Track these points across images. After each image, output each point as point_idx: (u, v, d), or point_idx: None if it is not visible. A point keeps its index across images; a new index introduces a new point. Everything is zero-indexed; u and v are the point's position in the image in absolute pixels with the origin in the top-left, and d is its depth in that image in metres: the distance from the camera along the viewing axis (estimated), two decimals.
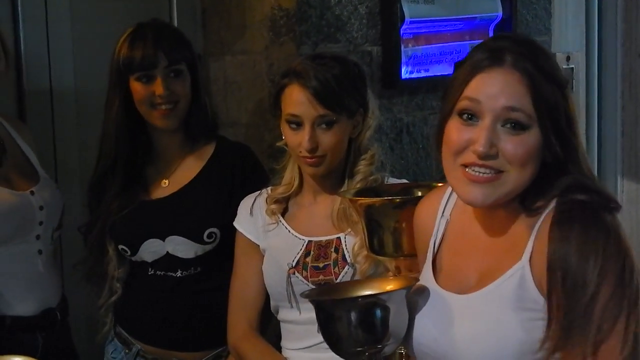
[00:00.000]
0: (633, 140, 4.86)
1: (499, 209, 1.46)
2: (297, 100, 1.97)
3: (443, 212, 1.58)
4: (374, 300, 1.46)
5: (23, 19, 2.76)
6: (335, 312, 1.47)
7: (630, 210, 4.98)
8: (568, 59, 4.24)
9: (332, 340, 1.50)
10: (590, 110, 4.71)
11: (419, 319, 1.50)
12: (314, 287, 1.97)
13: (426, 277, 1.54)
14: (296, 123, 1.97)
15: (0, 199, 2.18)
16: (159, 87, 2.22)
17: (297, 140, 1.97)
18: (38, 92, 2.80)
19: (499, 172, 1.39)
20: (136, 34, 2.27)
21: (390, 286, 1.54)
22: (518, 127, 1.39)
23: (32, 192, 2.25)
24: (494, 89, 1.39)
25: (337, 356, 1.56)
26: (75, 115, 2.87)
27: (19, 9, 2.75)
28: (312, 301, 1.55)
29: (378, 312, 1.44)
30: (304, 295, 1.74)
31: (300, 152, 1.97)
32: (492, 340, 1.39)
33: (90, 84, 2.78)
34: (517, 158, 1.39)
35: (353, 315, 1.44)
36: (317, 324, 1.53)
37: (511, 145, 1.39)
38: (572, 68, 4.30)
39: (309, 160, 1.97)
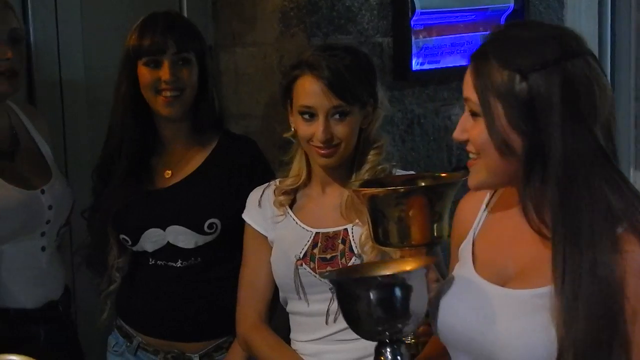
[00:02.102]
0: None
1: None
2: (310, 91, 1.96)
3: (486, 206, 1.59)
4: (393, 280, 1.47)
5: (33, 11, 2.75)
6: (355, 291, 1.47)
7: None
8: None
9: (352, 319, 1.50)
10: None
11: (449, 300, 1.52)
12: (320, 279, 1.97)
13: (466, 266, 1.55)
14: (310, 114, 1.97)
15: (9, 198, 2.18)
16: (165, 73, 2.23)
17: (310, 131, 1.97)
18: (48, 83, 2.79)
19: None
20: (148, 21, 2.28)
21: (409, 267, 1.54)
22: (474, 114, 1.43)
23: (42, 191, 2.24)
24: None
25: (347, 345, 1.57)
26: (85, 106, 2.87)
27: (29, 2, 2.74)
28: (332, 281, 1.59)
29: (397, 291, 1.44)
30: (324, 275, 1.79)
31: (314, 143, 1.97)
32: (539, 341, 1.37)
33: (100, 75, 2.79)
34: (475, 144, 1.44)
35: (373, 295, 1.44)
36: (337, 305, 1.57)
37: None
38: None
39: (323, 151, 1.97)
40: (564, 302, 1.32)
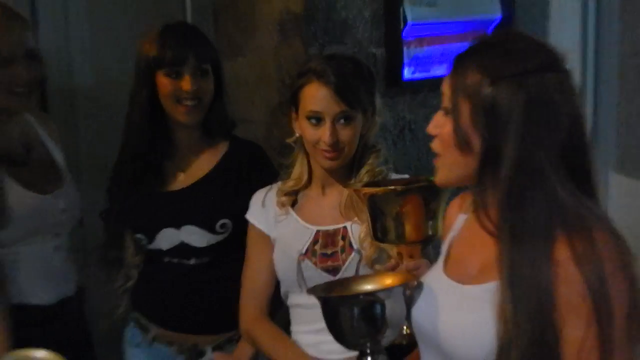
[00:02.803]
0: (624, 133, 4.88)
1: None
2: (318, 97, 1.98)
3: (464, 211, 1.61)
4: (374, 298, 1.50)
5: (42, 21, 2.79)
6: (338, 307, 1.52)
7: (620, 201, 5.03)
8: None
9: (336, 332, 1.54)
10: (585, 108, 4.74)
11: (417, 298, 1.55)
12: (324, 272, 2.01)
13: (437, 266, 1.58)
14: (317, 119, 1.98)
15: (24, 202, 2.19)
16: (187, 83, 2.24)
17: (317, 135, 1.98)
18: (59, 90, 2.83)
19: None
20: (166, 33, 2.29)
21: (389, 281, 1.57)
22: (446, 111, 1.46)
23: (55, 195, 2.27)
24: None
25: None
26: (95, 111, 2.90)
27: (38, 10, 2.78)
28: (318, 297, 1.58)
29: (377, 308, 1.49)
30: (310, 291, 1.75)
31: (321, 146, 1.98)
32: (479, 335, 1.39)
33: (108, 82, 2.81)
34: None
35: (355, 311, 1.49)
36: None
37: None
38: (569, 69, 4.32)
39: (328, 154, 1.99)
40: (505, 298, 1.35)
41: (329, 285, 1.68)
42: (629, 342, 1.32)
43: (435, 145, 1.49)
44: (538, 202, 1.36)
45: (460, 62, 1.44)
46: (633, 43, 4.85)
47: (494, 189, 1.40)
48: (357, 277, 1.79)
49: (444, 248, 1.61)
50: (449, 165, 1.48)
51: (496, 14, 3.56)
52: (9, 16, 2.16)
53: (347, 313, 1.50)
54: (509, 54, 1.41)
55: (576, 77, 4.52)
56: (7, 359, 1.99)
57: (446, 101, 1.45)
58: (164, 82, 2.26)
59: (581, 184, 1.41)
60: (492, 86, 1.37)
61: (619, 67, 4.84)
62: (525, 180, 1.36)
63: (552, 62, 1.41)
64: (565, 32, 4.25)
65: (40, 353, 1.95)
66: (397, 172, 2.16)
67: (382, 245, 1.86)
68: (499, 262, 1.38)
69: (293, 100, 2.05)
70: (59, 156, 2.36)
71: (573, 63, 4.40)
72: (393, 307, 1.51)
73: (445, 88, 1.46)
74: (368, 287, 1.57)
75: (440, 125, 1.47)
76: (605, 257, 1.33)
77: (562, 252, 1.33)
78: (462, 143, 1.41)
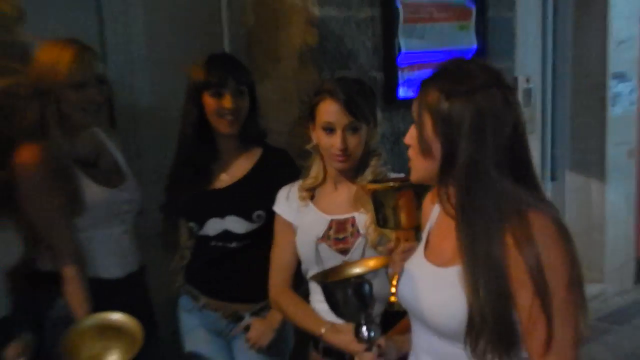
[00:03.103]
0: (576, 140, 4.93)
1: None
2: (331, 111, 1.98)
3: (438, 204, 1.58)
4: (362, 280, 1.53)
5: (110, 50, 2.81)
6: (335, 290, 1.54)
7: (573, 196, 5.02)
8: (528, 80, 4.23)
9: (336, 310, 1.58)
10: (545, 120, 4.72)
11: (403, 277, 1.56)
12: (338, 253, 2.02)
13: (418, 251, 1.58)
14: (330, 129, 1.98)
15: (96, 194, 2.20)
16: (227, 102, 2.25)
17: (330, 142, 1.99)
18: (124, 108, 2.78)
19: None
20: (211, 62, 2.29)
21: (373, 263, 1.60)
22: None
23: (120, 189, 2.28)
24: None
25: None
26: (153, 124, 2.90)
27: (107, 42, 2.81)
28: (318, 282, 1.62)
29: (366, 287, 1.51)
30: (312, 278, 1.81)
31: (333, 151, 1.99)
32: (452, 308, 1.40)
33: (163, 101, 2.81)
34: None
35: (348, 292, 1.52)
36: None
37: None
38: (531, 87, 4.29)
39: (340, 158, 1.99)
40: (468, 277, 1.35)
41: (326, 273, 1.69)
42: (574, 308, 1.33)
43: (410, 152, 1.49)
44: (484, 193, 1.36)
45: (424, 85, 1.44)
46: (583, 67, 4.86)
47: (452, 184, 1.42)
48: (348, 263, 1.77)
49: (424, 236, 1.60)
50: (419, 167, 1.48)
51: (472, 45, 3.55)
52: (81, 49, 2.15)
53: (342, 294, 1.52)
54: (460, 75, 1.41)
55: (537, 95, 4.59)
56: (90, 319, 2.03)
57: (415, 115, 1.45)
58: (209, 101, 2.26)
59: (523, 178, 1.41)
60: (447, 101, 1.37)
61: (572, 87, 4.89)
62: (474, 177, 1.37)
63: (495, 80, 1.41)
64: (528, 58, 4.26)
65: (116, 315, 2.01)
66: (394, 171, 2.15)
67: (383, 230, 1.88)
68: (458, 245, 1.39)
69: (310, 115, 2.06)
70: (121, 160, 2.36)
71: (535, 84, 4.44)
72: (379, 285, 1.52)
73: (414, 106, 1.46)
74: (357, 270, 1.58)
75: (412, 137, 1.47)
76: (540, 237, 1.33)
77: (509, 237, 1.34)
78: (426, 150, 1.43)
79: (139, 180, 2.41)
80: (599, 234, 4.97)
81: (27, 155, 2.09)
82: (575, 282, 1.35)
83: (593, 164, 4.91)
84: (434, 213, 1.60)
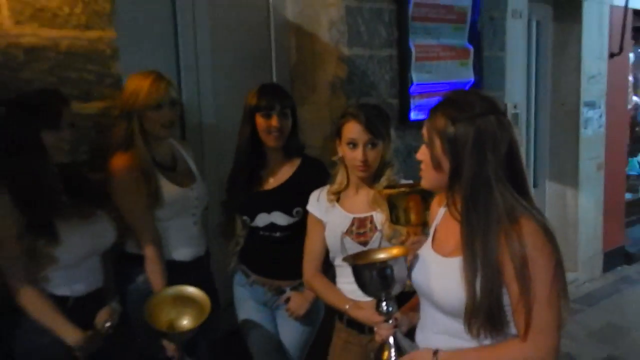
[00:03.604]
0: (554, 155, 4.88)
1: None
2: (354, 130, 1.96)
3: (445, 205, 1.55)
4: (385, 264, 1.50)
5: (183, 78, 2.81)
6: (363, 271, 1.52)
7: (552, 200, 4.97)
8: (515, 106, 4.21)
9: (362, 287, 1.55)
10: (529, 138, 4.68)
11: (415, 264, 1.54)
12: (359, 245, 1.98)
13: (427, 243, 1.56)
14: (353, 144, 1.96)
15: (173, 193, 2.19)
16: (275, 122, 2.24)
17: (353, 155, 1.97)
18: (193, 125, 2.85)
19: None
20: (262, 89, 2.29)
21: (395, 252, 1.57)
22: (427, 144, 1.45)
23: (191, 189, 2.27)
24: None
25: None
26: (216, 138, 2.90)
27: (182, 71, 2.82)
28: (350, 264, 1.58)
29: (388, 270, 1.49)
30: (344, 259, 1.75)
31: (356, 163, 1.97)
32: (454, 291, 1.38)
33: (225, 119, 2.81)
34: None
35: (374, 273, 1.50)
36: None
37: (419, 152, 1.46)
38: (518, 112, 4.27)
39: (361, 168, 1.97)
40: (466, 269, 1.35)
41: (356, 256, 1.66)
42: (557, 297, 1.33)
43: (422, 166, 1.47)
44: (485, 200, 1.35)
45: (433, 112, 1.43)
46: (561, 97, 4.85)
47: (459, 193, 1.40)
48: (374, 250, 1.74)
49: (431, 232, 1.58)
50: (430, 178, 1.47)
51: (471, 78, 3.56)
52: (157, 78, 2.15)
53: (368, 274, 1.50)
54: (463, 104, 1.40)
55: (523, 119, 4.56)
56: (167, 291, 2.04)
57: (425, 138, 1.44)
58: (260, 120, 2.27)
59: (518, 188, 1.39)
60: (453, 126, 1.37)
61: (551, 113, 4.87)
62: (477, 186, 1.36)
63: (491, 107, 1.40)
64: (515, 89, 4.24)
65: (190, 288, 2.01)
66: (405, 179, 2.12)
67: (396, 226, 1.86)
68: (461, 242, 1.38)
69: (337, 133, 2.04)
70: (192, 165, 2.36)
71: (521, 109, 4.43)
72: (398, 270, 1.50)
73: (424, 129, 1.45)
74: (381, 256, 1.56)
75: (423, 154, 1.46)
76: (529, 238, 1.32)
77: (503, 237, 1.33)
78: (436, 166, 1.42)
79: (204, 183, 2.41)
80: (573, 231, 4.93)
81: (118, 161, 2.11)
82: (558, 276, 1.34)
83: (568, 174, 4.87)
84: (439, 214, 1.57)
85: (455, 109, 1.39)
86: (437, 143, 1.40)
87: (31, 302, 1.86)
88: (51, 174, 1.92)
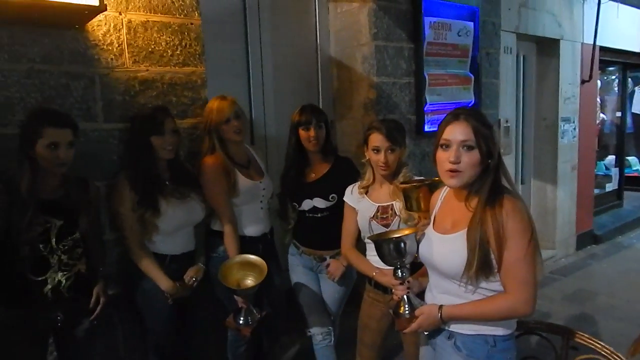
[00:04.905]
0: (537, 159, 4.71)
1: (462, 190, 1.41)
2: (377, 139, 1.92)
3: (440, 196, 1.55)
4: (400, 240, 1.46)
5: (253, 95, 2.83)
6: (383, 245, 1.48)
7: (536, 193, 4.83)
8: (507, 121, 4.10)
9: (382, 257, 1.51)
10: (517, 146, 4.54)
11: (422, 241, 1.50)
12: (382, 227, 1.94)
13: (430, 225, 1.52)
14: (377, 150, 1.93)
15: (245, 184, 2.17)
16: (312, 132, 2.21)
17: (377, 158, 1.93)
18: (259, 136, 2.88)
19: (459, 171, 1.35)
20: (302, 109, 2.25)
21: (407, 231, 1.53)
22: (470, 148, 1.35)
23: (260, 182, 2.24)
24: (455, 131, 1.36)
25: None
26: (275, 145, 2.91)
27: (252, 95, 2.82)
28: (373, 241, 1.55)
29: (402, 244, 1.46)
30: (368, 238, 1.75)
31: (379, 164, 1.93)
32: (452, 260, 1.35)
33: (281, 131, 2.81)
34: (469, 163, 1.35)
35: (391, 246, 1.46)
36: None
37: (467, 157, 1.35)
38: (509, 126, 4.16)
39: (383, 168, 1.94)
40: (468, 237, 1.32)
41: (378, 235, 1.63)
42: (532, 258, 1.29)
43: (461, 167, 1.35)
44: (489, 186, 1.34)
45: (469, 119, 1.36)
46: (543, 114, 4.71)
47: (486, 182, 1.35)
48: (391, 230, 1.70)
49: (432, 217, 1.53)
50: (469, 177, 1.36)
51: (472, 99, 3.49)
52: (222, 99, 2.14)
53: (387, 247, 1.47)
54: (482, 115, 1.40)
55: (513, 130, 4.47)
56: (237, 258, 2.03)
57: (470, 142, 1.33)
58: (301, 132, 2.23)
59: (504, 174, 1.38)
60: (488, 129, 1.36)
61: (535, 126, 4.74)
62: (497, 175, 1.35)
63: (490, 121, 1.40)
64: (507, 108, 4.11)
65: (252, 256, 2.00)
66: (416, 176, 2.06)
67: (410, 212, 1.82)
68: (473, 218, 1.33)
69: (365, 141, 1.99)
70: (261, 164, 2.34)
71: (512, 123, 4.32)
72: (410, 245, 1.46)
73: (466, 135, 1.34)
74: (396, 234, 1.52)
75: (461, 156, 1.35)
76: (510, 212, 1.29)
77: (490, 212, 1.31)
78: (484, 162, 1.35)
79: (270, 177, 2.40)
80: (552, 218, 4.78)
81: (206, 162, 2.12)
82: (533, 241, 1.29)
83: (549, 174, 4.72)
84: (438, 203, 1.54)
85: (481, 118, 1.38)
86: (482, 144, 1.34)
87: (139, 257, 1.94)
88: (157, 166, 1.97)
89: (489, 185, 1.34)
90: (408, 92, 3.16)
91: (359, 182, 2.09)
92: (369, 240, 1.88)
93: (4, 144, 1.78)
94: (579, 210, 5.01)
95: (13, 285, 1.65)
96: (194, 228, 2.09)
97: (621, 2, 5.14)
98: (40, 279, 1.67)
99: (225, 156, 2.14)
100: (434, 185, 1.64)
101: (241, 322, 1.98)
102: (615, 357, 1.52)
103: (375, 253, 1.58)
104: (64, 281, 1.71)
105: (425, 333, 1.51)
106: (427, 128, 3.20)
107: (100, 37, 2.04)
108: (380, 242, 1.50)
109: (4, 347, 1.65)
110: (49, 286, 1.69)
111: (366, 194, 2.05)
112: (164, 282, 1.95)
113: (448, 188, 1.51)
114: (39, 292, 1.67)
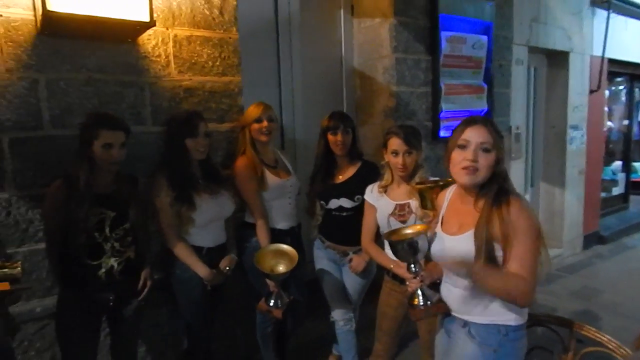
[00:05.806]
0: (546, 164, 4.61)
1: (470, 192, 1.39)
2: (396, 143, 1.91)
3: (446, 198, 1.53)
4: (412, 238, 1.44)
5: (283, 102, 2.84)
6: (397, 244, 1.46)
7: (544, 196, 4.73)
8: (517, 128, 4.03)
9: (396, 254, 1.48)
10: (528, 152, 4.45)
11: (432, 241, 1.48)
12: (400, 223, 1.90)
13: (438, 226, 1.50)
14: (395, 153, 1.91)
15: (274, 182, 2.17)
16: (340, 137, 2.20)
17: (396, 161, 1.92)
18: (288, 140, 2.88)
19: (476, 169, 1.34)
20: (332, 115, 2.25)
21: (418, 227, 1.50)
22: (486, 150, 1.34)
23: (287, 180, 2.24)
24: (473, 133, 1.35)
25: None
26: (303, 147, 2.92)
27: (282, 102, 2.83)
28: (386, 239, 1.53)
29: (414, 242, 1.43)
30: (383, 236, 1.68)
31: (398, 166, 1.92)
32: (460, 256, 1.34)
33: (309, 135, 2.80)
34: (485, 165, 1.34)
35: (405, 244, 1.44)
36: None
37: (483, 159, 1.34)
38: (520, 132, 4.08)
39: (401, 169, 1.92)
40: (476, 233, 1.31)
41: (391, 232, 1.58)
42: (536, 250, 1.27)
43: (478, 166, 1.34)
44: (497, 187, 1.34)
45: (481, 126, 1.35)
46: (552, 121, 4.61)
47: (495, 183, 1.34)
48: (404, 227, 1.62)
49: (439, 217, 1.50)
50: (483, 177, 1.34)
51: (485, 107, 3.44)
52: (258, 103, 2.17)
53: (400, 246, 1.45)
54: (496, 124, 1.39)
55: (523, 137, 4.38)
56: (270, 246, 2.04)
57: (489, 146, 1.32)
58: (330, 137, 2.23)
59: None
60: (498, 136, 1.35)
61: (545, 133, 4.64)
62: (505, 177, 1.35)
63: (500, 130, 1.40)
64: (518, 115, 4.03)
65: (284, 246, 2.00)
66: (433, 176, 2.04)
67: (425, 210, 1.76)
68: (480, 217, 1.31)
69: (384, 145, 1.97)
70: (288, 165, 2.33)
71: (522, 130, 4.24)
72: (421, 243, 1.44)
73: (485, 138, 1.33)
74: (409, 232, 1.50)
75: (477, 158, 1.34)
76: (515, 211, 1.28)
77: (497, 212, 1.30)
78: (500, 162, 1.34)
79: (296, 176, 2.39)
80: (560, 219, 4.67)
81: (239, 162, 2.15)
82: (537, 238, 1.28)
83: (557, 178, 4.62)
84: (444, 204, 1.52)
85: (495, 126, 1.37)
86: (498, 148, 1.34)
87: (179, 249, 1.95)
88: (191, 165, 1.97)
89: (496, 188, 1.33)
90: (425, 100, 3.13)
91: (378, 182, 2.09)
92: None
93: (65, 144, 1.85)
94: (585, 212, 4.89)
95: (72, 269, 1.71)
96: (224, 222, 2.10)
97: (629, 16, 4.99)
98: (95, 263, 1.71)
99: (254, 153, 2.15)
100: (447, 186, 1.63)
101: (271, 304, 1.99)
102: (622, 350, 1.48)
103: None
104: (116, 265, 1.75)
105: (444, 318, 1.50)
106: (442, 134, 3.16)
107: (150, 50, 2.09)
108: (394, 242, 1.48)
109: (64, 322, 1.73)
110: (103, 270, 1.73)
111: (385, 192, 2.04)
112: (202, 270, 1.96)
113: (452, 191, 1.49)
114: (94, 275, 1.71)
